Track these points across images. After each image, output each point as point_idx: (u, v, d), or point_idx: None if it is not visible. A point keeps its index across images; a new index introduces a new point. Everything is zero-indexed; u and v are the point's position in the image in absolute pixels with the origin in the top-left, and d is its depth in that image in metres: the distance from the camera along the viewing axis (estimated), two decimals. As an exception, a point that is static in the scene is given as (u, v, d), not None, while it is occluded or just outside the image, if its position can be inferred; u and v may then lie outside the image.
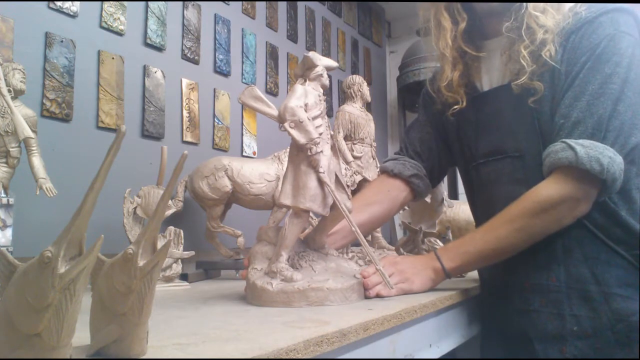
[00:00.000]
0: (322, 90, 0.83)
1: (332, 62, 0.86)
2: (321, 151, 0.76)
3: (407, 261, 0.91)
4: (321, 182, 0.77)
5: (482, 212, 1.04)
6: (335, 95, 2.51)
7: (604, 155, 0.80)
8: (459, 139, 1.08)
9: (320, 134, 0.78)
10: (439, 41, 1.02)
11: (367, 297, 0.81)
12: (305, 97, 0.78)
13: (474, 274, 1.16)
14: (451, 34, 1.00)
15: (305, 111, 0.77)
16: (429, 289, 0.89)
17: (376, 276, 0.82)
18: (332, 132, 0.83)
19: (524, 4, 0.91)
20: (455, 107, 1.01)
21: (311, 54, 0.84)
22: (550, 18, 0.89)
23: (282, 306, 0.75)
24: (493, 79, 1.01)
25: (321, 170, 0.76)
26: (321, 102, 0.81)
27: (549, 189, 0.85)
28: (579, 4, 0.90)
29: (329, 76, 0.87)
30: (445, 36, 1.00)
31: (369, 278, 0.82)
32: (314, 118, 0.78)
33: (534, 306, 0.92)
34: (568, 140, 0.83)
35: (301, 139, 0.75)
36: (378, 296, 0.81)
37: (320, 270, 0.81)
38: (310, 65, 0.83)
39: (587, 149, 0.81)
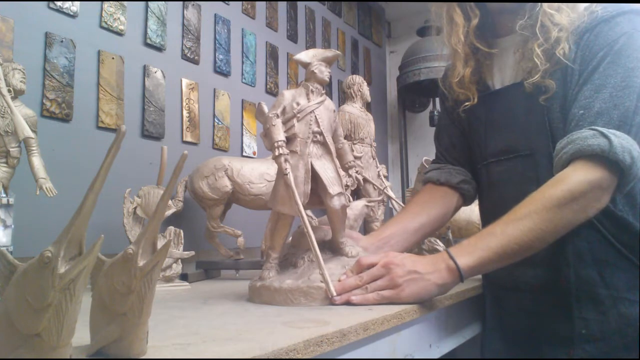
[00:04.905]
0: (318, 86, 0.83)
1: (327, 53, 0.86)
2: (286, 153, 0.78)
3: (406, 262, 0.76)
4: (286, 184, 0.77)
5: (491, 212, 1.02)
6: (335, 95, 2.51)
7: (634, 148, 0.78)
8: (469, 137, 1.07)
9: (294, 134, 0.80)
10: (451, 37, 1.01)
11: (332, 304, 0.73)
12: (285, 101, 0.81)
13: (475, 273, 1.16)
14: (463, 30, 0.98)
15: (283, 115, 0.80)
16: (429, 297, 0.77)
17: (352, 280, 0.75)
18: (322, 129, 0.82)
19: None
20: (467, 103, 1.00)
21: (297, 56, 0.85)
22: (565, 16, 0.88)
23: (246, 301, 0.82)
24: (505, 77, 1.00)
25: (285, 172, 0.77)
26: (309, 101, 0.82)
27: (577, 176, 0.79)
28: (594, 4, 0.89)
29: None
30: (458, 32, 0.99)
31: (344, 280, 0.75)
32: (287, 120, 0.80)
33: (542, 308, 0.91)
34: (599, 128, 0.79)
35: (266, 144, 0.80)
36: (350, 304, 0.73)
37: (302, 271, 0.80)
38: (303, 66, 0.84)
39: (620, 140, 0.78)
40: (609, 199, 0.81)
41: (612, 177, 0.79)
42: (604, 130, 0.78)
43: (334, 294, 0.72)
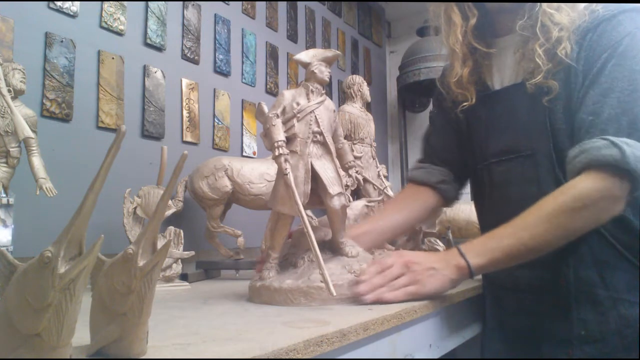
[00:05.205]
0: (318, 86, 0.83)
1: (327, 53, 0.86)
2: (286, 153, 0.78)
3: (422, 260, 0.81)
4: (286, 184, 0.77)
5: (491, 212, 1.02)
6: (335, 95, 2.51)
7: None
8: (469, 137, 1.07)
9: (294, 134, 0.80)
10: (449, 37, 1.00)
11: (332, 304, 0.74)
12: (285, 101, 0.81)
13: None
14: (461, 30, 0.98)
15: (283, 115, 0.80)
16: (445, 290, 0.82)
17: (378, 279, 0.77)
18: (321, 129, 0.82)
19: None
20: (465, 104, 1.00)
21: (297, 56, 0.85)
22: (565, 15, 0.87)
23: (246, 301, 0.83)
24: (505, 77, 0.99)
25: (285, 172, 0.77)
26: (309, 100, 0.82)
27: (588, 185, 0.80)
28: (594, 3, 0.89)
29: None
30: (456, 32, 0.98)
31: (369, 280, 0.76)
32: (287, 120, 0.80)
33: (541, 308, 0.91)
34: (611, 138, 0.79)
35: (266, 144, 0.80)
36: (380, 301, 0.74)
37: (302, 271, 0.80)
38: (303, 66, 0.84)
39: (633, 149, 0.78)
40: (622, 207, 0.82)
41: (624, 186, 0.80)
42: (616, 140, 0.79)
43: (334, 294, 0.72)
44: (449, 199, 1.11)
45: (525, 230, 0.81)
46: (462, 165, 1.11)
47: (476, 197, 1.11)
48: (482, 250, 0.82)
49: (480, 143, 1.03)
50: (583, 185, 0.81)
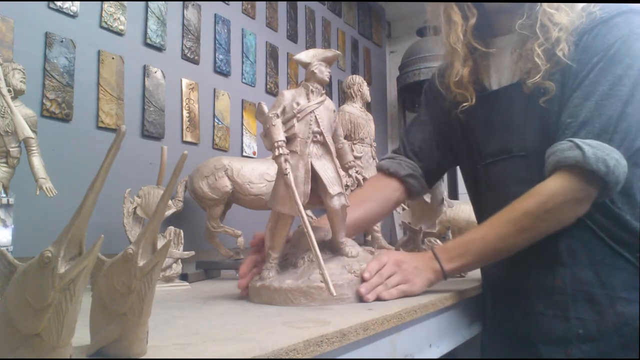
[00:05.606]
0: (318, 86, 0.83)
1: (327, 53, 0.86)
2: (286, 153, 0.77)
3: (408, 259, 0.86)
4: (286, 184, 0.77)
5: (487, 212, 1.03)
6: (335, 95, 2.51)
7: (610, 157, 0.79)
8: (466, 138, 1.06)
9: (294, 134, 0.80)
10: (449, 36, 1.00)
11: (332, 304, 0.76)
12: (285, 101, 0.81)
13: (476, 274, 1.16)
14: (462, 29, 0.98)
15: (283, 115, 0.80)
16: (425, 289, 0.88)
17: (376, 279, 0.80)
18: (322, 129, 0.82)
19: None
20: (465, 104, 1.00)
21: (296, 56, 0.85)
22: (564, 15, 0.88)
23: (246, 301, 0.83)
24: (502, 77, 1.00)
25: (285, 172, 0.77)
26: (309, 100, 0.82)
27: (552, 187, 0.83)
28: (592, 4, 0.89)
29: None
30: (457, 30, 0.98)
31: (368, 281, 0.79)
32: (287, 120, 0.80)
33: (538, 308, 0.91)
34: (575, 140, 0.81)
35: (266, 144, 0.80)
36: (379, 299, 0.79)
37: (302, 271, 0.80)
38: (303, 66, 0.84)
39: (595, 150, 0.79)
40: (588, 208, 0.85)
41: (589, 187, 0.82)
42: (579, 141, 0.81)
43: (334, 294, 0.73)
44: (414, 194, 1.12)
45: (492, 234, 0.86)
46: (434, 163, 1.12)
47: (474, 197, 1.11)
48: (455, 255, 0.88)
49: (478, 143, 1.03)
50: (549, 187, 0.84)
